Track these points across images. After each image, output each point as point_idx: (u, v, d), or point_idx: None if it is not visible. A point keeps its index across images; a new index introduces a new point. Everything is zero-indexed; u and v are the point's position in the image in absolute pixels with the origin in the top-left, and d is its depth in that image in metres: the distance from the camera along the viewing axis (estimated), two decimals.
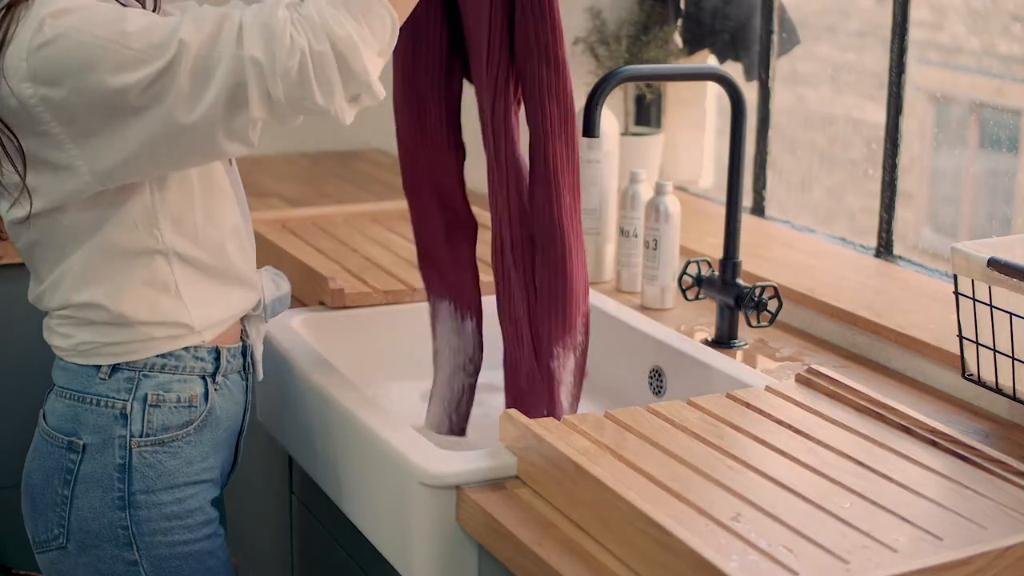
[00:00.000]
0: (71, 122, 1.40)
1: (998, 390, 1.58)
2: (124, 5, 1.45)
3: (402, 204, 2.55)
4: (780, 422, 1.52)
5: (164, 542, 1.55)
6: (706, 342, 1.90)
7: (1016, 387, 1.55)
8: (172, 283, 1.53)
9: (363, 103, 1.46)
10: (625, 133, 2.51)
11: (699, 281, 1.93)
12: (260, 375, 1.69)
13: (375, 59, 1.44)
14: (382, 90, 1.46)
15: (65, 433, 1.55)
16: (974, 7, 3.13)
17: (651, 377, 1.92)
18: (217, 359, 1.59)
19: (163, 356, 1.54)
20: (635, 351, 1.94)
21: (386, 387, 1.97)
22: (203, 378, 1.58)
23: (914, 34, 2.12)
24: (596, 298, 2.09)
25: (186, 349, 1.56)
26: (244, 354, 1.64)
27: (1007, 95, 3.14)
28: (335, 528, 1.81)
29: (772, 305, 1.87)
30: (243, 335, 1.64)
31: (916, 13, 2.11)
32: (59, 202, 1.47)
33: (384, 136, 3.23)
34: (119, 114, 1.39)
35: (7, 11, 1.41)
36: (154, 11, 1.50)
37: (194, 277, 1.55)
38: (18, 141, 1.43)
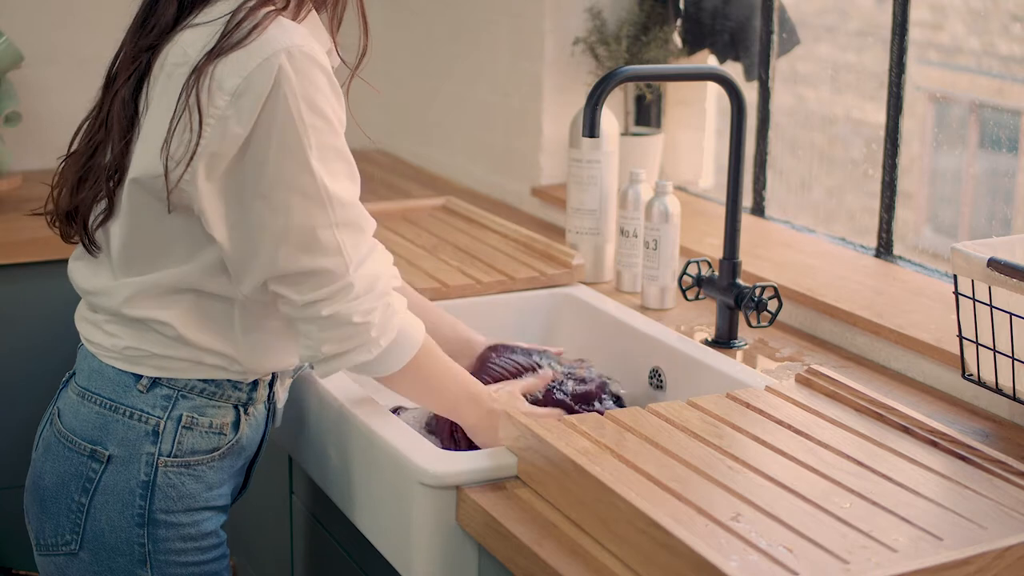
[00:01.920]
0: (216, 155, 1.42)
1: (998, 390, 1.58)
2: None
3: (402, 204, 2.55)
4: (780, 422, 1.52)
5: (178, 562, 1.55)
6: (706, 342, 1.90)
7: (1016, 387, 1.55)
8: (235, 325, 1.54)
9: (316, 369, 1.55)
10: (625, 133, 2.51)
11: (699, 281, 1.93)
12: (278, 422, 1.70)
13: (346, 369, 1.53)
14: (322, 378, 1.59)
15: (89, 440, 1.54)
16: (974, 7, 3.12)
17: (651, 377, 1.92)
18: (254, 390, 1.60)
19: (205, 381, 1.54)
20: (635, 351, 1.94)
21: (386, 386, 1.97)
22: (236, 407, 1.58)
23: (914, 34, 2.11)
24: (596, 298, 2.09)
25: (228, 379, 1.56)
26: (272, 385, 1.65)
27: (1007, 95, 3.14)
28: (335, 528, 1.80)
29: (772, 305, 1.87)
30: None
31: (916, 13, 2.11)
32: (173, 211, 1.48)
33: (384, 136, 3.23)
34: (255, 188, 1.43)
35: (259, 11, 1.42)
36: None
37: (254, 332, 1.55)
38: (201, 130, 1.42)
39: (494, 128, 2.78)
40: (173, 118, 1.42)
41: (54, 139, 2.87)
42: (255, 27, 1.41)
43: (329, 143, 1.44)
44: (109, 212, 1.52)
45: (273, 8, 1.45)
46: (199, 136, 1.41)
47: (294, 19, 1.48)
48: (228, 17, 1.43)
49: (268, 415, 1.65)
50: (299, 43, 1.42)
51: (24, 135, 2.78)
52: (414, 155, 3.13)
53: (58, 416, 1.58)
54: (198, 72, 1.41)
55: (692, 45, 2.52)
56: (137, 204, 1.49)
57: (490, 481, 1.47)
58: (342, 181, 1.46)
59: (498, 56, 2.73)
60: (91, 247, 1.56)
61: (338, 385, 1.70)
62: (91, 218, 1.54)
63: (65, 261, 2.40)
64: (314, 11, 1.52)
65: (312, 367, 1.55)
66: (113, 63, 1.55)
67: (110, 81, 1.55)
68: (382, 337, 1.51)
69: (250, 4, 1.44)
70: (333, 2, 1.54)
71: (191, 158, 1.42)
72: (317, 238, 1.44)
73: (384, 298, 1.50)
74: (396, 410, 1.81)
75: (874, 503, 1.31)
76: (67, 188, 1.57)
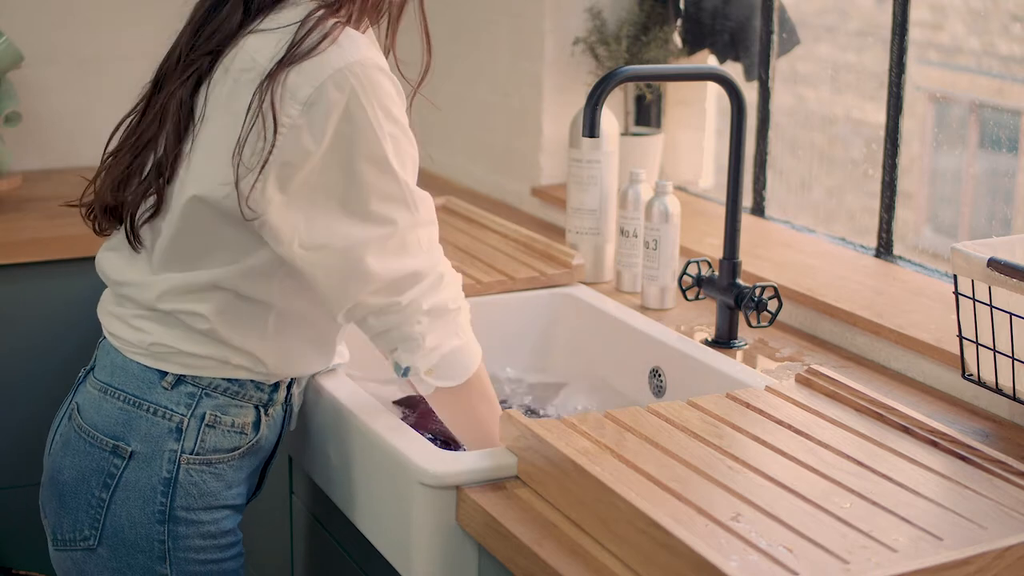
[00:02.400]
0: (286, 166, 1.42)
1: (998, 390, 1.58)
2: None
3: None
4: (780, 422, 1.52)
5: (197, 559, 1.56)
6: (706, 342, 1.90)
7: (1016, 387, 1.55)
8: (268, 327, 1.55)
9: (398, 357, 1.56)
10: (625, 133, 2.51)
11: (699, 281, 1.93)
12: (294, 425, 1.71)
13: (414, 362, 1.54)
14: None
15: (111, 436, 1.54)
16: (974, 7, 3.12)
17: (651, 377, 1.92)
18: (275, 391, 1.60)
19: (229, 380, 1.55)
20: (635, 351, 1.94)
21: (386, 387, 1.97)
22: (257, 408, 1.59)
23: (914, 34, 2.11)
24: (596, 298, 2.09)
25: (252, 380, 1.57)
26: (290, 387, 1.65)
27: (1007, 95, 3.14)
28: (335, 528, 1.80)
29: (772, 305, 1.87)
30: None
31: (916, 13, 2.11)
32: (224, 214, 1.48)
33: None
34: (330, 203, 1.44)
35: (328, 21, 1.43)
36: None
37: (286, 333, 1.56)
38: (275, 137, 1.42)
39: (494, 128, 2.78)
40: (244, 124, 1.42)
41: (54, 139, 2.88)
42: (325, 37, 1.42)
43: (404, 149, 1.47)
44: (157, 209, 1.52)
45: (339, 20, 1.46)
46: (272, 144, 1.41)
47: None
48: (297, 26, 1.43)
49: (285, 417, 1.66)
50: (370, 55, 1.44)
51: (24, 135, 2.78)
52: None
53: (78, 411, 1.57)
54: (271, 79, 1.41)
55: (692, 45, 2.52)
56: (194, 213, 1.49)
57: (490, 481, 1.47)
58: (416, 184, 1.50)
59: (498, 56, 2.73)
60: (136, 243, 1.56)
61: (338, 385, 1.70)
62: (138, 214, 1.54)
63: (65, 261, 2.41)
64: (371, 27, 1.55)
65: (405, 374, 1.55)
66: (165, 62, 1.55)
67: (160, 80, 1.54)
68: (467, 325, 1.56)
69: (318, 14, 1.45)
70: (395, 17, 1.57)
71: (263, 165, 1.41)
72: (406, 241, 1.48)
73: (458, 286, 1.56)
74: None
75: (874, 503, 1.31)
76: (110, 183, 1.56)
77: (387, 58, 1.59)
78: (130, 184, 1.54)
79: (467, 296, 2.06)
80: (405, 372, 1.54)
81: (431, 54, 1.59)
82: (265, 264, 1.51)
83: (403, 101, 1.50)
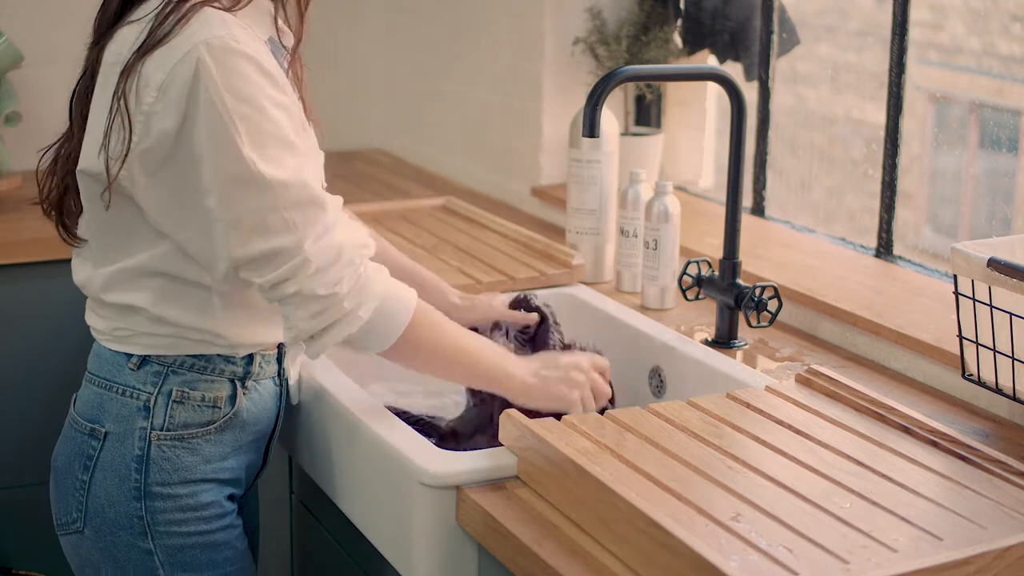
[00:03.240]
0: (148, 149, 1.44)
1: (998, 390, 1.58)
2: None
3: (402, 204, 2.55)
4: (780, 422, 1.52)
5: (179, 532, 1.57)
6: (706, 342, 1.90)
7: (1016, 387, 1.55)
8: (213, 306, 1.55)
9: (307, 349, 1.55)
10: (625, 133, 2.51)
11: (699, 281, 1.93)
12: (295, 400, 1.71)
13: (339, 343, 1.53)
14: (315, 358, 1.56)
15: (89, 420, 1.57)
16: (974, 7, 3.12)
17: (651, 377, 1.91)
18: (249, 364, 1.61)
19: (194, 356, 1.56)
20: (635, 351, 1.94)
21: (386, 387, 1.97)
22: (232, 381, 1.59)
23: (914, 34, 2.11)
24: (596, 298, 2.09)
25: (218, 354, 1.58)
26: (280, 361, 1.65)
27: (1007, 95, 3.14)
28: (335, 528, 1.80)
29: (772, 305, 1.87)
30: (280, 343, 1.65)
31: (916, 13, 2.11)
32: (123, 204, 1.50)
33: (384, 136, 3.23)
34: (191, 181, 1.44)
35: (184, 5, 1.44)
36: (291, 62, 1.55)
37: (237, 308, 1.57)
38: (131, 128, 1.45)
39: (494, 128, 2.78)
40: (108, 116, 1.45)
41: (54, 139, 2.88)
42: (179, 20, 1.43)
43: (263, 129, 1.44)
44: (81, 206, 1.56)
45: (198, 0, 1.45)
46: (131, 133, 1.44)
47: (230, 8, 1.48)
48: (156, 12, 1.45)
49: (281, 392, 1.66)
50: (220, 34, 1.42)
51: (24, 135, 2.78)
52: (414, 155, 3.13)
53: (73, 403, 1.62)
54: (127, 71, 1.44)
55: (692, 45, 2.52)
56: (90, 196, 1.52)
57: (490, 481, 1.47)
58: (284, 164, 1.45)
59: (498, 56, 2.72)
60: (71, 238, 1.60)
61: (338, 385, 1.70)
62: (64, 210, 1.59)
63: (65, 261, 2.40)
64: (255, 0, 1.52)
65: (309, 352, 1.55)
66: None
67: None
68: (360, 308, 1.51)
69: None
70: None
71: (125, 155, 1.45)
72: (265, 222, 1.45)
73: (351, 267, 1.50)
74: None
75: (874, 503, 1.31)
76: (45, 182, 1.61)
77: (300, 30, 1.56)
78: (51, 182, 1.60)
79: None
80: (308, 352, 1.54)
81: (303, 22, 1.56)
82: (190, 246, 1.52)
83: (272, 80, 1.45)
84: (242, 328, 1.58)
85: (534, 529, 1.36)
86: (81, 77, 1.56)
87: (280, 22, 1.58)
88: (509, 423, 1.49)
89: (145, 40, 1.44)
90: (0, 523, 2.48)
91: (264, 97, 1.44)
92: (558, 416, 1.55)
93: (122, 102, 1.44)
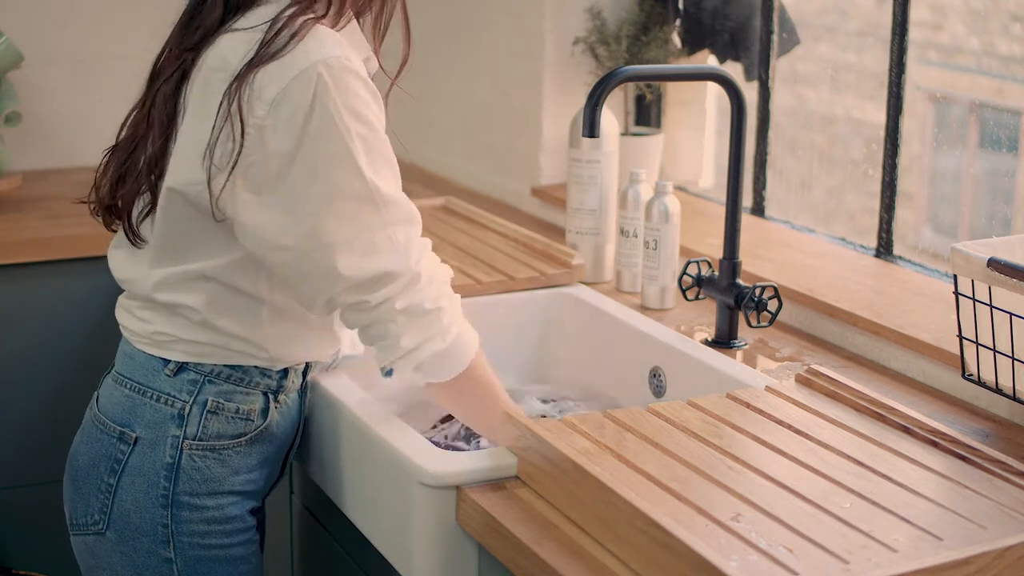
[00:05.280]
0: (253, 166, 1.43)
1: (998, 390, 1.58)
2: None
3: None
4: (780, 422, 1.52)
5: (201, 544, 1.57)
6: (706, 342, 1.90)
7: (1016, 387, 1.55)
8: (262, 317, 1.56)
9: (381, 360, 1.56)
10: (625, 133, 2.51)
11: (699, 281, 1.93)
12: (306, 408, 1.72)
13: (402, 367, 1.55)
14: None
15: (119, 423, 1.56)
16: (974, 7, 3.12)
17: (651, 377, 1.92)
18: (284, 378, 1.61)
19: (231, 367, 1.56)
20: (635, 351, 1.94)
21: (386, 387, 1.97)
22: (266, 394, 1.59)
23: (914, 34, 2.11)
24: (596, 298, 2.09)
25: (256, 366, 1.58)
26: (305, 373, 1.66)
27: (1007, 95, 3.14)
28: (335, 528, 1.81)
29: (772, 305, 1.87)
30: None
31: (916, 13, 2.11)
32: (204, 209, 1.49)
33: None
34: (295, 202, 1.43)
35: (296, 20, 1.44)
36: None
37: (281, 321, 1.57)
38: (243, 137, 1.43)
39: (494, 128, 2.78)
40: (215, 126, 1.43)
41: (54, 139, 2.88)
42: (293, 36, 1.42)
43: (375, 148, 1.46)
44: (152, 206, 1.54)
45: (312, 16, 1.45)
46: (240, 146, 1.42)
47: (333, 27, 1.48)
48: (268, 25, 1.44)
49: (302, 403, 1.67)
50: (336, 54, 1.43)
51: (24, 135, 2.78)
52: (414, 155, 3.13)
53: (96, 401, 1.61)
54: (239, 80, 1.42)
55: (692, 45, 2.52)
56: (172, 205, 1.51)
57: (490, 481, 1.47)
58: (391, 183, 1.48)
59: (498, 56, 2.72)
60: (136, 239, 1.58)
61: (338, 385, 1.70)
62: (135, 211, 1.57)
63: (66, 261, 2.41)
64: (354, 19, 1.54)
65: (388, 374, 1.56)
66: (158, 59, 1.57)
67: (154, 77, 1.56)
68: (452, 325, 1.54)
69: (289, 12, 1.45)
70: (378, 10, 1.56)
71: (232, 167, 1.43)
72: (375, 241, 1.46)
73: (446, 286, 1.54)
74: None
75: (874, 503, 1.31)
76: (109, 181, 1.59)
77: (376, 52, 1.58)
78: (126, 182, 1.56)
79: (467, 296, 2.07)
80: (388, 372, 1.55)
81: (410, 46, 1.59)
82: (250, 258, 1.52)
83: (377, 101, 1.48)
84: (286, 343, 1.58)
85: (534, 529, 1.37)
86: (167, 79, 1.52)
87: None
88: (509, 423, 1.49)
89: (258, 51, 1.42)
90: (0, 523, 2.48)
91: (374, 117, 1.46)
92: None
93: (236, 112, 1.42)
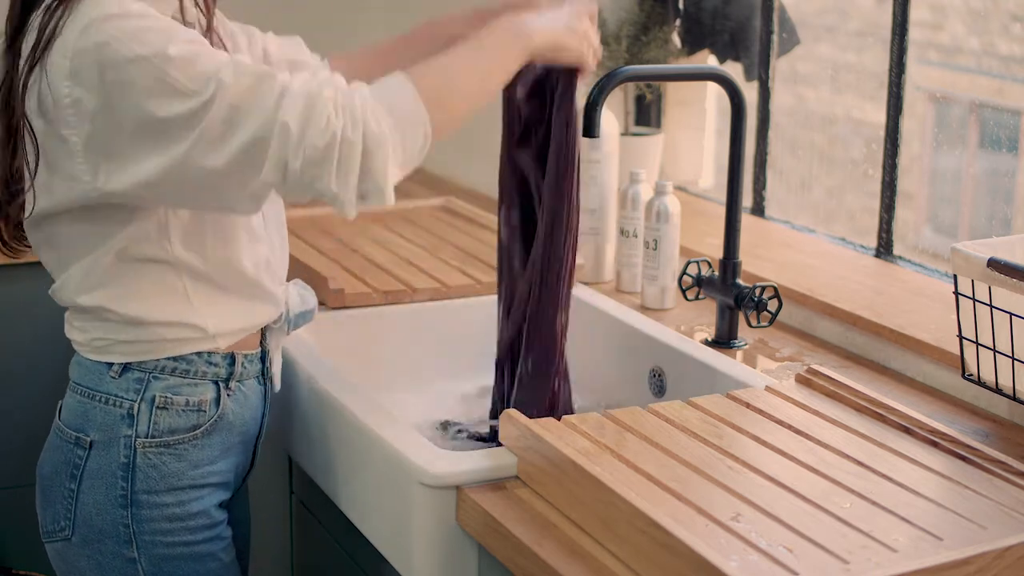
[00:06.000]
0: (92, 136, 1.40)
1: (998, 390, 1.58)
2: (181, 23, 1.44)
3: (402, 204, 2.55)
4: (780, 422, 1.52)
5: (164, 542, 1.56)
6: (706, 342, 1.90)
7: (1016, 387, 1.55)
8: (182, 290, 1.53)
9: (369, 203, 1.43)
10: (625, 133, 2.51)
11: (699, 281, 1.93)
12: (277, 386, 1.69)
13: (396, 168, 1.43)
14: (392, 198, 1.44)
15: (74, 429, 1.56)
16: (974, 7, 3.13)
17: (651, 377, 1.92)
18: (232, 364, 1.59)
19: (174, 359, 1.54)
20: (635, 351, 1.94)
21: (386, 387, 1.97)
22: (215, 383, 1.58)
23: (914, 34, 2.11)
24: (596, 298, 2.09)
25: (198, 354, 1.55)
26: (263, 360, 1.64)
27: (1007, 95, 3.14)
28: (335, 528, 1.80)
29: (772, 305, 1.87)
30: (263, 341, 1.63)
31: (916, 13, 2.11)
32: (64, 207, 1.47)
33: None
34: (140, 141, 1.39)
35: (60, 4, 1.41)
36: (206, 35, 1.49)
37: (206, 289, 1.54)
38: (36, 140, 1.43)
39: (494, 128, 2.77)
40: (11, 142, 1.43)
41: None
42: (65, 10, 1.39)
43: (186, 53, 1.37)
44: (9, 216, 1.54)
45: None
46: (38, 142, 1.41)
47: None
48: (43, 13, 1.41)
49: (264, 390, 1.65)
50: (109, 6, 1.38)
51: None
52: None
53: (59, 411, 1.61)
54: (26, 87, 1.41)
55: (692, 45, 2.52)
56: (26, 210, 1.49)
57: (490, 481, 1.47)
58: (214, 63, 1.37)
59: None
60: (10, 250, 1.58)
61: (338, 385, 1.70)
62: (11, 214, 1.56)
63: None
64: None
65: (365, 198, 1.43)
66: None
67: None
68: (370, 124, 1.39)
69: None
70: None
71: (37, 158, 1.42)
72: (226, 120, 1.36)
73: (324, 100, 1.38)
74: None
75: (874, 503, 1.31)
76: None
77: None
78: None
79: (467, 296, 2.07)
80: (372, 201, 1.42)
81: (209, 10, 1.51)
82: (145, 223, 1.48)
83: (168, 23, 1.39)
84: (220, 313, 1.55)
85: (534, 529, 1.37)
86: (1, 90, 1.48)
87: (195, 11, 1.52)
88: (509, 423, 1.49)
89: (34, 45, 1.41)
90: (0, 523, 2.48)
91: (169, 38, 1.37)
92: (554, 404, 1.55)
93: (25, 121, 1.41)
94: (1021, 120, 2.99)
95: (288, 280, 1.68)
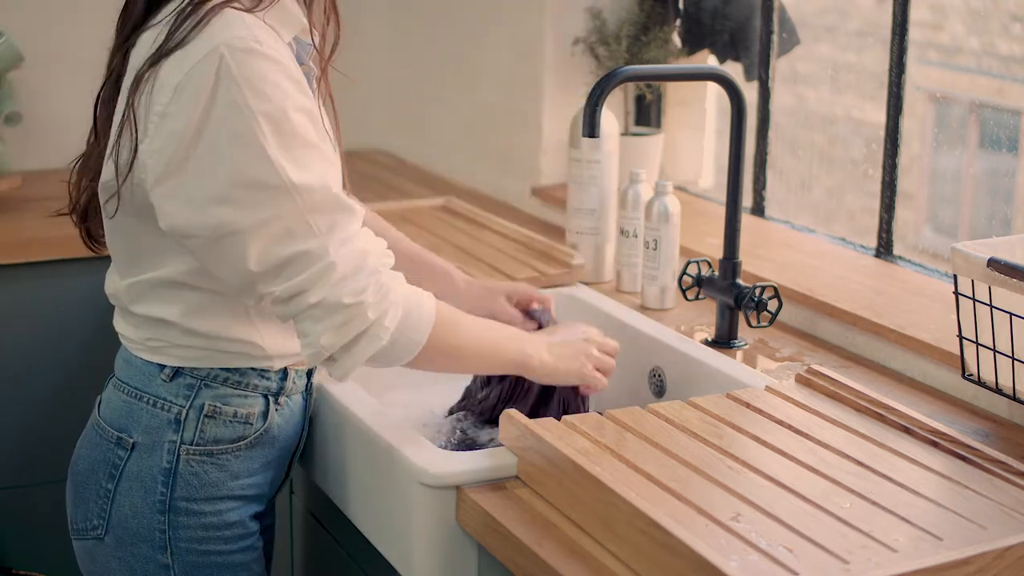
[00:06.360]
0: (162, 152, 1.39)
1: (998, 390, 1.58)
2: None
3: (402, 204, 2.56)
4: (780, 422, 1.52)
5: (199, 550, 1.56)
6: (706, 342, 1.90)
7: (1016, 387, 1.55)
8: (245, 312, 1.52)
9: (330, 369, 1.48)
10: (625, 133, 2.51)
11: (699, 281, 1.93)
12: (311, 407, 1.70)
13: (369, 362, 1.48)
14: (344, 379, 1.49)
15: (116, 428, 1.55)
16: (974, 7, 3.13)
17: (651, 377, 1.92)
18: (284, 379, 1.59)
19: (228, 370, 1.54)
20: (635, 351, 1.94)
21: (386, 387, 1.97)
22: (266, 396, 1.57)
23: (914, 34, 2.11)
24: (596, 298, 2.09)
25: (253, 368, 1.55)
26: (309, 375, 1.65)
27: (1007, 95, 3.14)
28: (335, 528, 1.81)
29: (772, 305, 1.87)
30: None
31: (916, 13, 2.11)
32: (135, 211, 1.47)
33: (384, 136, 3.23)
34: (203, 187, 1.38)
35: (192, 10, 1.40)
36: (318, 82, 1.52)
37: (272, 316, 1.53)
38: (137, 135, 1.41)
39: (494, 128, 2.78)
40: (121, 124, 1.43)
41: (54, 139, 2.87)
42: (198, 23, 1.39)
43: (286, 130, 1.38)
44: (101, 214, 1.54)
45: (218, 2, 1.40)
46: (138, 140, 1.40)
47: (251, 9, 1.42)
48: (174, 16, 1.41)
49: (307, 405, 1.65)
50: (242, 35, 1.37)
51: (24, 135, 2.78)
52: (414, 155, 3.13)
53: (98, 406, 1.60)
54: (138, 77, 1.41)
55: (692, 45, 2.52)
56: (109, 209, 1.49)
57: (490, 481, 1.47)
58: (309, 168, 1.40)
59: (498, 56, 2.73)
60: (94, 246, 1.58)
61: (338, 385, 1.70)
62: (88, 220, 1.57)
63: (66, 261, 2.41)
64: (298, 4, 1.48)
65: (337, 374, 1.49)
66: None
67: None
68: (385, 318, 1.44)
69: (195, 1, 1.41)
70: None
71: (133, 159, 1.41)
72: (288, 228, 1.39)
73: (376, 275, 1.43)
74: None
75: (874, 503, 1.31)
76: (74, 189, 1.58)
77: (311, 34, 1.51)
78: (80, 189, 1.57)
79: None
80: (335, 372, 1.47)
81: (339, 26, 1.51)
82: None
83: (296, 83, 1.41)
84: (280, 336, 1.55)
85: (534, 529, 1.37)
86: (105, 82, 1.51)
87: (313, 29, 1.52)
88: (509, 423, 1.49)
89: (161, 45, 1.39)
90: (0, 523, 2.48)
91: (288, 99, 1.38)
92: (559, 417, 1.55)
93: (131, 111, 1.40)
94: (1021, 120, 2.99)
95: None
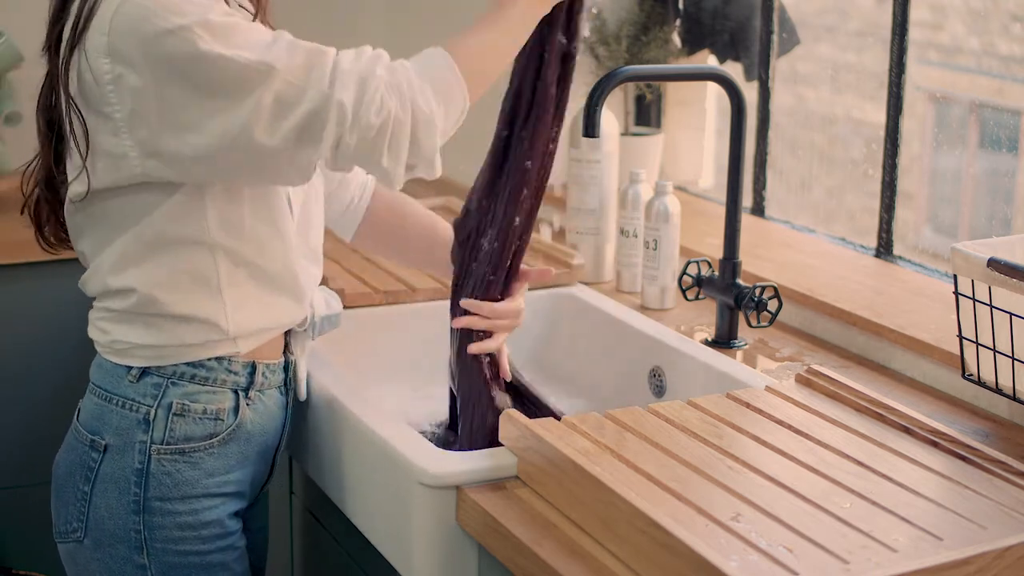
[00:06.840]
0: (136, 111, 1.40)
1: (998, 390, 1.58)
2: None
3: None
4: (780, 422, 1.52)
5: (175, 550, 1.55)
6: (706, 342, 1.90)
7: (1016, 387, 1.55)
8: (214, 277, 1.51)
9: (417, 174, 1.49)
10: (625, 133, 2.51)
11: (699, 281, 1.93)
12: (303, 395, 1.68)
13: (441, 139, 1.49)
14: (440, 168, 1.50)
15: (90, 431, 1.56)
16: (974, 7, 3.13)
17: (651, 377, 1.92)
18: (252, 373, 1.58)
19: (193, 365, 1.54)
20: (635, 351, 1.94)
21: (386, 387, 1.97)
22: (235, 392, 1.57)
23: (914, 34, 2.11)
24: (596, 298, 2.09)
25: (219, 360, 1.55)
26: (286, 370, 1.64)
27: (1007, 95, 3.14)
28: (335, 528, 1.81)
29: (772, 305, 1.87)
30: (286, 350, 1.63)
31: (916, 13, 2.11)
32: (105, 187, 1.47)
33: None
34: (190, 112, 1.39)
35: None
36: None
37: (238, 277, 1.53)
38: (84, 121, 1.43)
39: (494, 128, 2.77)
40: (68, 124, 1.45)
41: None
42: None
43: (219, 26, 1.38)
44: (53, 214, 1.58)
45: None
46: (107, 116, 1.42)
47: None
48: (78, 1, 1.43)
49: (286, 401, 1.64)
50: None
51: (24, 135, 2.78)
52: None
53: (77, 412, 1.61)
54: (66, 65, 1.43)
55: (692, 45, 2.52)
56: (78, 191, 1.50)
57: (490, 481, 1.47)
58: (257, 41, 1.39)
59: None
60: (50, 248, 1.63)
61: (339, 385, 1.70)
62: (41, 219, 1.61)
63: (65, 261, 2.40)
64: None
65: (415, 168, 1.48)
66: None
67: None
68: (417, 103, 1.45)
69: None
70: None
71: (125, 125, 1.42)
72: (277, 96, 1.38)
73: (380, 83, 1.42)
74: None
75: (874, 503, 1.31)
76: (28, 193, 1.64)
77: None
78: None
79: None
80: (421, 170, 1.48)
81: None
82: (184, 200, 1.48)
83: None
84: (245, 308, 1.53)
85: (534, 529, 1.37)
86: (43, 88, 1.52)
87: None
88: (509, 423, 1.49)
89: (74, 26, 1.41)
90: (0, 523, 2.48)
91: (204, 9, 1.38)
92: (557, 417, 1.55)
93: (71, 101, 1.42)
94: (1021, 120, 2.99)
95: None
